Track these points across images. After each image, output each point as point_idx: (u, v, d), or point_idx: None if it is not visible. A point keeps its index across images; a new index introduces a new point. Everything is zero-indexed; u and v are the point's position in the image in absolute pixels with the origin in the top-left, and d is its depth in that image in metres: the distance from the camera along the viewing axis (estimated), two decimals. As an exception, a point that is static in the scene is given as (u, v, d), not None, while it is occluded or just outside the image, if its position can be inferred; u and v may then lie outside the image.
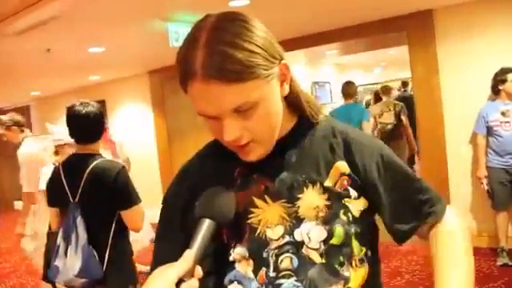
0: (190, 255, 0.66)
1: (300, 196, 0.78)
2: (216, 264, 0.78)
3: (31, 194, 3.26)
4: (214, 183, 0.78)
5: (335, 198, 0.78)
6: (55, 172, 2.12)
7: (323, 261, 0.75)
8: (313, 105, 0.85)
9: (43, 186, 2.48)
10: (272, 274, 0.76)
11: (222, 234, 0.78)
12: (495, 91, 3.49)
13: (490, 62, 3.56)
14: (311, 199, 0.77)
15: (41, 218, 3.11)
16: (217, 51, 0.65)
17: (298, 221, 0.77)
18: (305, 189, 0.78)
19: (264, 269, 0.76)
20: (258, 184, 0.80)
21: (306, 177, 0.79)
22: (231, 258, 0.78)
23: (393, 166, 0.83)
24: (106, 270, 1.91)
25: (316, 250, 0.75)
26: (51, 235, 2.12)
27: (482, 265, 3.44)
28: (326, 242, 0.75)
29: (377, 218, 0.83)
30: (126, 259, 2.07)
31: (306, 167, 0.79)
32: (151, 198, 2.78)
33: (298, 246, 0.76)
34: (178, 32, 3.41)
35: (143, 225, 2.08)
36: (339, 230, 0.76)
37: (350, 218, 0.77)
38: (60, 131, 2.97)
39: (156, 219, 0.90)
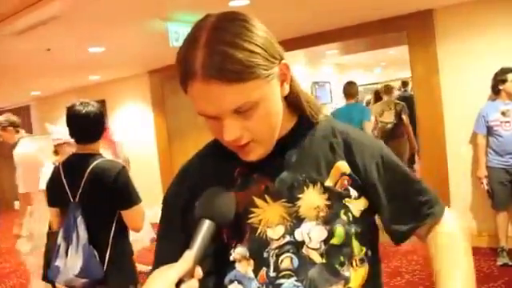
0: (189, 256, 0.66)
1: (300, 196, 0.78)
2: (216, 264, 0.78)
3: (27, 194, 3.25)
4: (214, 183, 0.77)
5: (336, 198, 0.78)
6: (55, 172, 2.12)
7: (323, 261, 0.75)
8: (313, 105, 0.85)
9: (43, 185, 2.48)
10: (272, 273, 0.76)
11: (222, 233, 0.78)
12: (495, 91, 3.50)
13: (490, 62, 3.56)
14: (312, 199, 0.77)
15: (40, 218, 3.10)
16: (217, 51, 0.65)
17: (298, 221, 0.77)
18: (305, 188, 0.78)
19: (264, 269, 0.76)
20: (258, 184, 0.79)
21: (307, 176, 0.79)
22: (231, 258, 0.78)
23: (393, 167, 0.83)
24: (106, 270, 1.91)
25: (316, 249, 0.75)
26: (51, 235, 2.12)
27: (482, 265, 3.43)
28: (326, 241, 0.75)
29: (377, 218, 0.83)
30: (126, 259, 2.07)
31: (306, 167, 0.79)
32: (151, 198, 2.78)
33: (298, 246, 0.76)
34: (178, 32, 3.41)
35: (143, 225, 2.08)
36: (340, 229, 0.76)
37: (351, 218, 0.77)
38: (59, 130, 2.97)
39: (156, 219, 0.90)
